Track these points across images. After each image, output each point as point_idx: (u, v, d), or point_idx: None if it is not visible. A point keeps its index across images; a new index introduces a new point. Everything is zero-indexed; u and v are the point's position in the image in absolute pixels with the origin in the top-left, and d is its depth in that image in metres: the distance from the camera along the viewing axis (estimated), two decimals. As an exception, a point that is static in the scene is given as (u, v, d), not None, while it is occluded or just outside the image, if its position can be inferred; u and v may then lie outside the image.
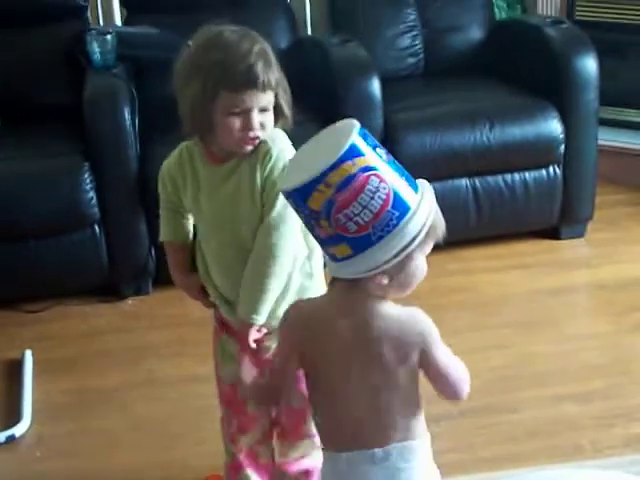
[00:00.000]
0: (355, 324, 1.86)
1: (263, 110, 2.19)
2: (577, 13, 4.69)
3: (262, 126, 2.19)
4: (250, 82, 2.15)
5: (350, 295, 1.85)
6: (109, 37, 3.85)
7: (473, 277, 3.82)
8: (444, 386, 1.97)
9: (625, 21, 4.61)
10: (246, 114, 2.17)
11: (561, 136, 3.88)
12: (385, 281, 1.81)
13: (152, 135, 3.72)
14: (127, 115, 3.61)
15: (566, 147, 3.91)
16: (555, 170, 3.94)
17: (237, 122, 2.17)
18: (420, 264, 1.88)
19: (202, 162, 2.29)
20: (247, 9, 4.30)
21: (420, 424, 1.95)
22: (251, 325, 2.24)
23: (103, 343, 3.58)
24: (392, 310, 1.88)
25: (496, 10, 4.69)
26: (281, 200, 2.16)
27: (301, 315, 1.93)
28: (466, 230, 3.94)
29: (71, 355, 3.50)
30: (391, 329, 1.87)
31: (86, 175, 3.63)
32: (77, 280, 3.80)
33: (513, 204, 3.93)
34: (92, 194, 3.64)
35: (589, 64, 3.90)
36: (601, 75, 3.95)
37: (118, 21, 4.42)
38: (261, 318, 2.24)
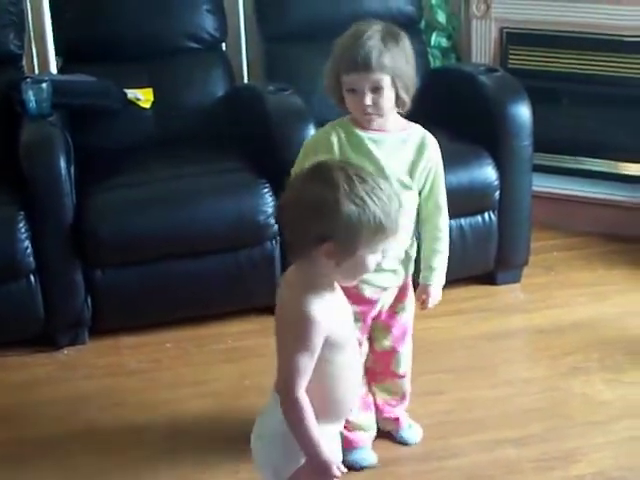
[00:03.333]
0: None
1: (376, 89, 2.59)
2: (510, 61, 4.75)
3: (375, 105, 2.61)
4: (358, 64, 2.57)
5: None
6: (44, 85, 3.82)
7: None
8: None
9: (558, 69, 4.68)
10: (360, 93, 2.60)
11: (496, 182, 3.92)
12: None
13: (88, 184, 3.70)
14: (63, 164, 3.57)
15: (501, 193, 3.94)
16: (490, 216, 3.97)
17: (354, 99, 2.63)
18: (367, 260, 2.12)
19: (355, 129, 2.72)
20: (183, 57, 4.33)
21: None
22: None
23: (40, 394, 3.52)
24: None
25: (431, 58, 4.75)
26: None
27: None
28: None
29: (7, 406, 3.45)
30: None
31: (21, 225, 3.57)
32: (12, 330, 3.73)
33: (450, 250, 3.93)
34: (27, 244, 3.59)
35: (522, 111, 3.95)
36: (535, 122, 4.00)
37: (54, 69, 4.40)
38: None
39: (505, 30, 4.74)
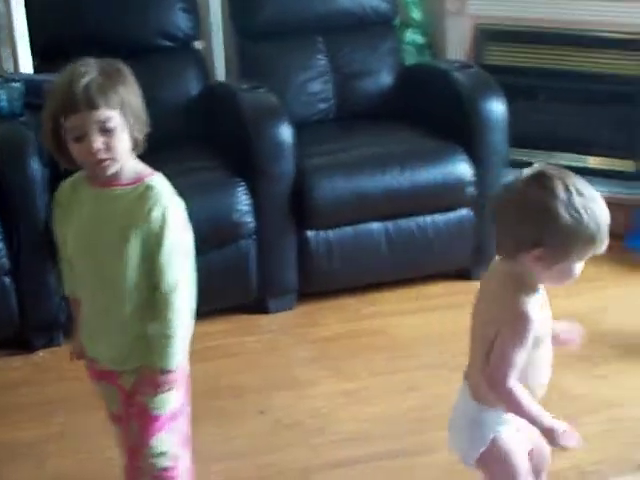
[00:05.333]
0: None
1: (106, 130, 2.16)
2: (485, 57, 4.76)
3: (108, 148, 2.17)
4: (79, 102, 2.14)
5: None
6: (17, 85, 3.81)
7: (387, 320, 3.84)
8: None
9: (533, 65, 4.70)
10: (87, 137, 2.16)
11: (471, 178, 3.94)
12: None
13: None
14: (36, 164, 3.57)
15: (476, 189, 3.96)
16: (466, 212, 3.99)
17: (81, 147, 2.18)
18: (573, 268, 2.23)
19: (86, 186, 2.29)
20: (157, 55, 4.33)
21: None
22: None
23: (15, 396, 3.51)
24: None
25: (405, 55, 4.76)
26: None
27: None
28: (379, 274, 3.97)
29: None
30: None
31: (-6, 225, 3.57)
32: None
33: (425, 246, 3.96)
34: (1, 245, 3.60)
35: (497, 107, 3.98)
36: (510, 118, 4.03)
37: (29, 69, 4.38)
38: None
39: (480, 27, 4.75)
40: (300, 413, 3.28)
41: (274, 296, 3.94)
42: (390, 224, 3.92)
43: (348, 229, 3.88)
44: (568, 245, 2.18)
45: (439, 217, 3.96)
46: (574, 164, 4.72)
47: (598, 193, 2.21)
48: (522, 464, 2.42)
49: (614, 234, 4.31)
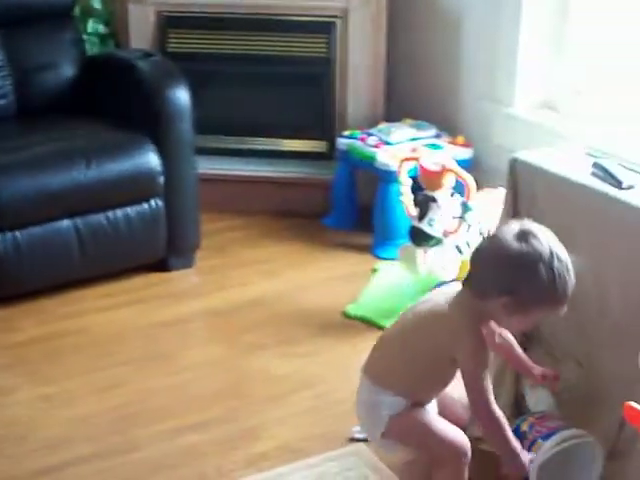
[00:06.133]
0: None
1: None
2: (169, 45, 4.71)
3: None
4: None
5: None
6: None
7: (85, 318, 3.74)
8: None
9: (217, 51, 4.70)
10: None
11: (159, 168, 3.89)
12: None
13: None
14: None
15: (166, 179, 3.92)
16: (157, 202, 3.94)
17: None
18: (530, 320, 2.48)
19: None
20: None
21: None
22: None
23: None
24: None
25: (88, 46, 4.64)
26: None
27: None
28: (73, 272, 3.86)
29: None
30: None
31: None
32: None
33: (118, 240, 3.88)
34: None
35: (180, 95, 3.94)
36: (196, 105, 4.02)
37: None
38: None
39: (162, 14, 4.70)
40: (-2, 424, 3.15)
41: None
42: (80, 220, 3.79)
43: (36, 229, 3.73)
44: (535, 302, 2.40)
45: (130, 210, 3.88)
46: (267, 147, 4.82)
47: (569, 260, 2.42)
48: (428, 420, 2.57)
49: (312, 214, 4.51)
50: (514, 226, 2.44)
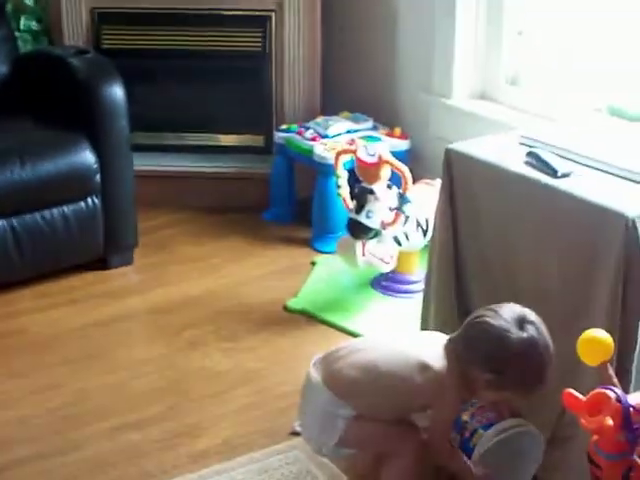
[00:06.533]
0: None
1: None
2: (104, 42, 4.67)
3: None
4: None
5: None
6: None
7: (23, 319, 3.70)
8: None
9: (152, 46, 4.67)
10: None
11: (95, 166, 3.86)
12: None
13: None
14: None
15: (102, 176, 3.89)
16: (94, 200, 3.90)
17: None
18: (505, 400, 2.57)
19: None
20: None
21: None
22: None
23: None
24: None
25: (21, 43, 4.59)
26: None
27: None
28: (9, 272, 3.80)
29: None
30: None
31: None
32: None
33: (55, 240, 3.84)
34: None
35: (116, 92, 3.91)
36: (132, 101, 3.99)
37: None
38: None
39: (96, 10, 4.65)
40: None
41: None
42: (16, 220, 3.74)
43: (-31, 231, 3.71)
44: (514, 386, 2.47)
45: (67, 208, 3.85)
46: (205, 143, 4.81)
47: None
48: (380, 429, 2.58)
49: (251, 208, 4.50)
50: (515, 309, 2.49)
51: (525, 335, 2.43)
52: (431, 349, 2.56)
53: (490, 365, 2.45)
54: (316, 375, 2.60)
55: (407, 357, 2.56)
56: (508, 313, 2.47)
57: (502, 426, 2.58)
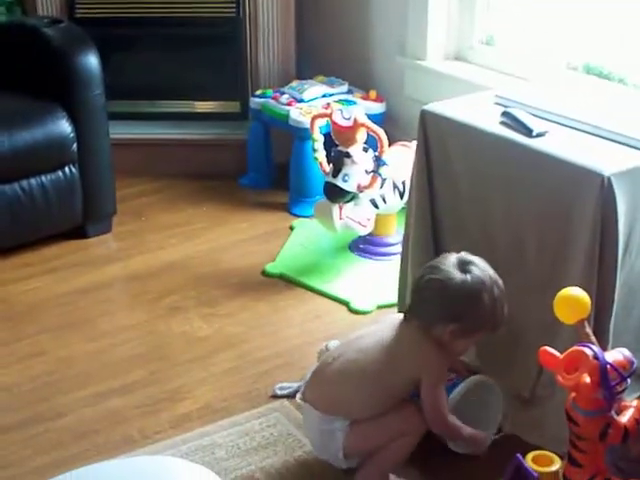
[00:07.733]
0: None
1: None
2: (77, 11, 4.66)
3: None
4: None
5: None
6: None
7: (4, 289, 3.70)
8: None
9: (126, 14, 4.66)
10: None
11: (71, 135, 3.85)
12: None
13: None
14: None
15: (79, 145, 3.89)
16: (71, 170, 3.90)
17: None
18: (469, 345, 2.62)
19: None
20: None
21: None
22: None
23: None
24: None
25: (-4, 14, 4.59)
26: None
27: None
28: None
29: None
30: None
31: None
32: None
33: (34, 210, 3.84)
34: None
35: (90, 61, 3.91)
36: (107, 70, 4.00)
37: None
38: None
39: (66, -21, 4.64)
40: None
41: None
42: (-7, 191, 3.77)
43: (-51, 201, 3.70)
44: (478, 327, 2.55)
45: (45, 178, 3.85)
46: (181, 110, 4.81)
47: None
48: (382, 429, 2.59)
49: (228, 174, 4.51)
50: (452, 257, 2.55)
51: (469, 276, 2.49)
52: (396, 329, 2.61)
53: (448, 316, 2.51)
54: (303, 399, 2.66)
55: (377, 343, 2.60)
56: (446, 262, 2.54)
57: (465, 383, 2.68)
